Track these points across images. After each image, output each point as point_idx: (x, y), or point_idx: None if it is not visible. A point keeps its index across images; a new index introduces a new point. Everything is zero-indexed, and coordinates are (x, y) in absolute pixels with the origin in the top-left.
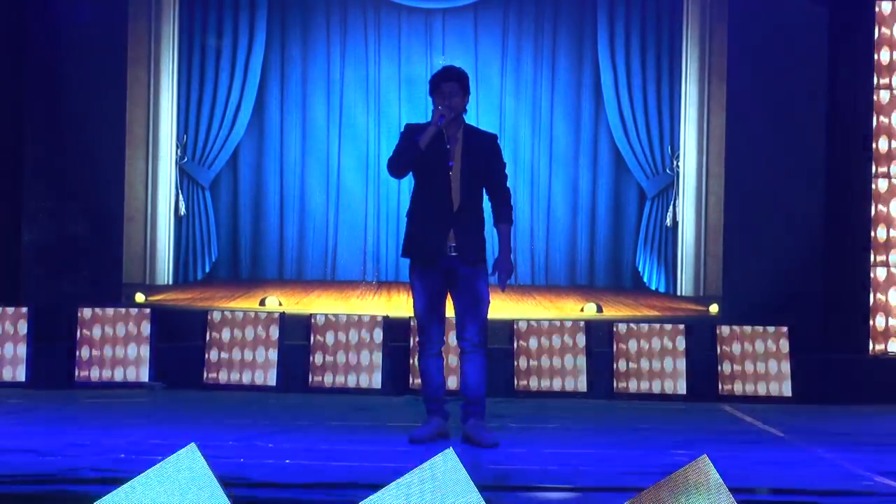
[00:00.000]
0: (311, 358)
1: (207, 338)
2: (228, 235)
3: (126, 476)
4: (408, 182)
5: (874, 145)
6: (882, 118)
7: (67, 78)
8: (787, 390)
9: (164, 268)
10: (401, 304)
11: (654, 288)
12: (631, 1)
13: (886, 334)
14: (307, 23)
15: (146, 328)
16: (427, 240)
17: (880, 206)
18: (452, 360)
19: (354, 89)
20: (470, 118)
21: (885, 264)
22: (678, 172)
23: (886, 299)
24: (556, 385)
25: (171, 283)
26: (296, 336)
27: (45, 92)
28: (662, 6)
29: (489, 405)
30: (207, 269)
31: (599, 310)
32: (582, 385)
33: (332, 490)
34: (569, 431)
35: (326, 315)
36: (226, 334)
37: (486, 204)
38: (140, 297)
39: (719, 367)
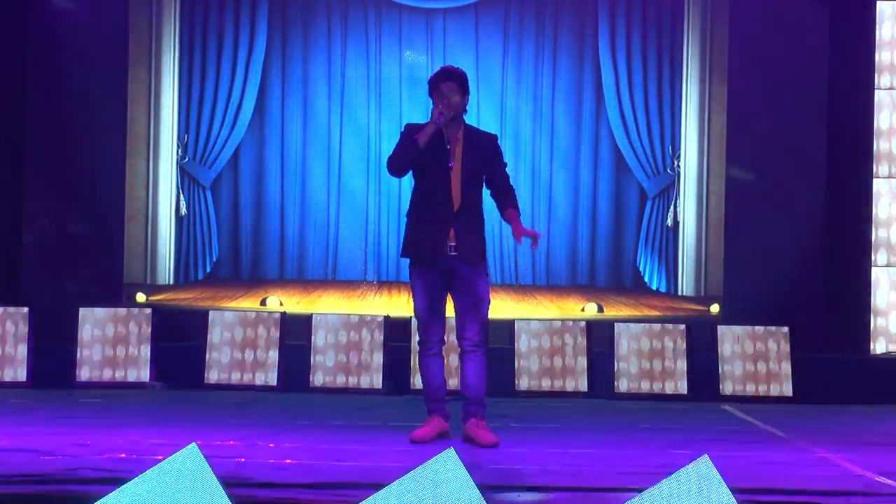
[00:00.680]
0: (312, 358)
1: (208, 338)
2: (229, 235)
3: (127, 476)
4: (409, 182)
5: (874, 146)
6: (882, 119)
7: (68, 78)
8: (787, 390)
9: (165, 267)
10: (401, 304)
11: (654, 288)
12: (632, 0)
13: (887, 334)
14: (308, 22)
15: (147, 328)
16: (427, 240)
17: (880, 207)
18: (453, 359)
19: (356, 89)
20: (471, 118)
21: (886, 265)
22: (679, 172)
23: (887, 300)
24: (557, 385)
25: (171, 282)
26: (297, 336)
27: (45, 92)
28: (664, 5)
29: (490, 405)
30: (208, 269)
31: (600, 310)
32: (583, 385)
33: (333, 490)
34: (569, 431)
35: (327, 315)
36: (226, 334)
37: (487, 205)
38: (141, 297)
39: (720, 367)
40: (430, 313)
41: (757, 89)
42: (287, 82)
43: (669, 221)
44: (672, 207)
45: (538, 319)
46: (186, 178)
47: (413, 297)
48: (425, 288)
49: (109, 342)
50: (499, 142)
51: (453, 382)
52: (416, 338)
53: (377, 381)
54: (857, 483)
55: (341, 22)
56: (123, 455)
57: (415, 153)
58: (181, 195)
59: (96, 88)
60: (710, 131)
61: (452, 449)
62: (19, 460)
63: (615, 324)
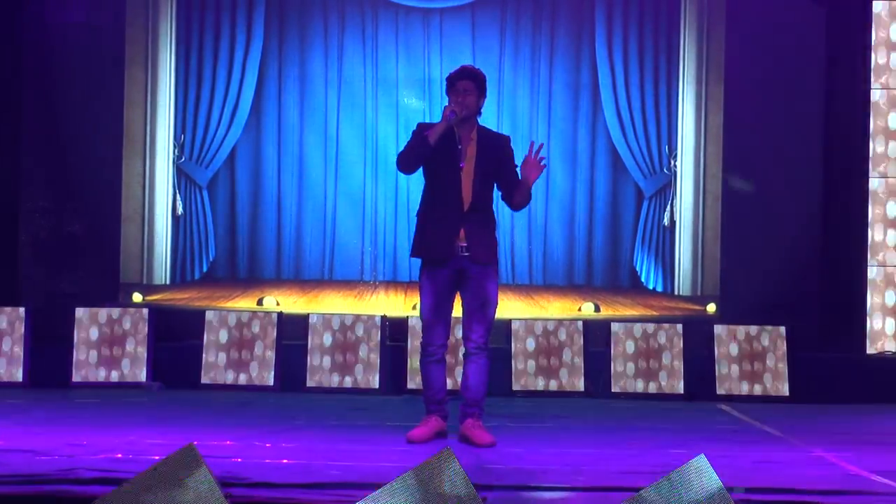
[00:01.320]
0: (309, 358)
1: (205, 338)
2: (226, 235)
3: (124, 476)
4: (406, 182)
5: (871, 146)
6: (878, 119)
7: (64, 78)
8: (784, 390)
9: (162, 267)
10: (399, 304)
11: (651, 287)
12: (629, 0)
13: (883, 334)
14: (305, 22)
15: (143, 328)
16: (438, 239)
17: (877, 207)
18: (450, 359)
19: (351, 89)
20: None
21: (882, 264)
22: (676, 172)
23: (883, 300)
24: (554, 385)
25: (168, 282)
26: (294, 336)
27: (42, 92)
28: (660, 6)
29: (487, 405)
30: (205, 269)
31: (597, 309)
32: (580, 384)
33: (330, 490)
34: (566, 431)
35: (324, 315)
36: (223, 334)
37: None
38: (137, 297)
39: (717, 367)
40: (435, 314)
41: (754, 89)
42: (284, 82)
43: (666, 221)
44: (669, 207)
45: (535, 319)
46: (183, 178)
47: (420, 296)
48: (433, 288)
49: (106, 342)
50: (512, 143)
51: (450, 382)
52: (413, 339)
53: (374, 381)
54: (853, 482)
55: (338, 21)
56: (120, 455)
57: (426, 150)
58: (178, 195)
59: (93, 89)
60: (707, 131)
61: (450, 448)
62: (16, 461)
63: (612, 323)
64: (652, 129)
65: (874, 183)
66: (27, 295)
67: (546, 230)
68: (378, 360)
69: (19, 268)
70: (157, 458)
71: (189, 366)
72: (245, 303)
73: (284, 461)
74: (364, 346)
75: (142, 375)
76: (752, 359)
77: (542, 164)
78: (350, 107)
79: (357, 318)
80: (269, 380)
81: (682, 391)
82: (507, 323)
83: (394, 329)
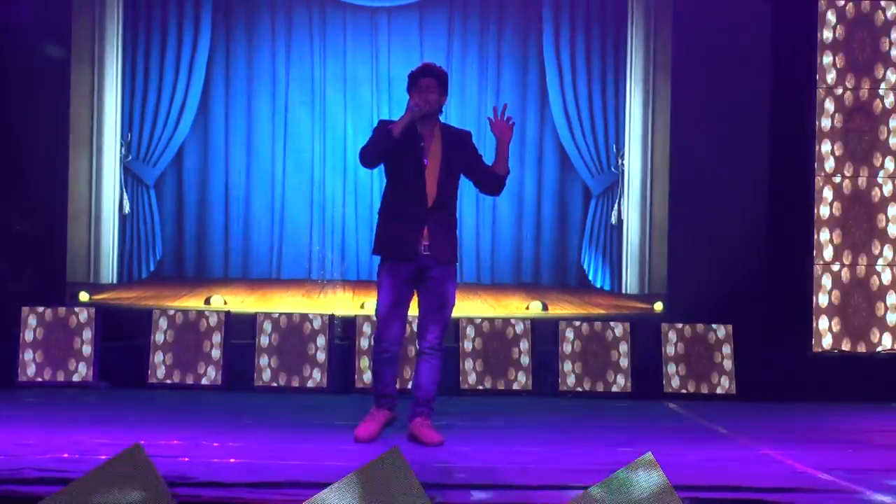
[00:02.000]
0: (257, 357)
1: (152, 337)
2: (173, 234)
3: (70, 476)
4: (354, 180)
5: (816, 147)
6: (824, 120)
7: (10, 77)
8: (731, 388)
9: (109, 266)
10: (347, 303)
11: (599, 286)
12: (576, 0)
13: (828, 333)
14: (252, 21)
15: (90, 327)
16: (400, 238)
17: (822, 208)
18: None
19: (299, 88)
20: None
21: (827, 264)
22: (623, 171)
23: (829, 299)
24: (502, 383)
25: (115, 281)
26: (241, 335)
27: None
28: (607, 5)
29: (435, 403)
30: (152, 268)
31: (545, 308)
32: (527, 383)
33: (277, 489)
34: (514, 429)
35: (272, 314)
36: (171, 333)
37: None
38: (84, 296)
39: (664, 365)
40: (392, 310)
41: (700, 88)
42: (231, 81)
43: (614, 220)
44: (616, 206)
45: (483, 318)
46: (130, 177)
47: (378, 292)
48: (392, 285)
49: (52, 341)
50: (473, 139)
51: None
52: (361, 337)
53: (323, 380)
54: (798, 479)
55: (285, 21)
56: (67, 455)
57: (389, 144)
58: (124, 194)
59: (39, 87)
60: (654, 130)
61: (398, 447)
62: None
63: (559, 322)
64: (599, 128)
65: (819, 182)
66: None
67: (494, 229)
68: (326, 359)
69: None
70: (103, 457)
71: (136, 365)
72: (192, 302)
73: (232, 460)
74: (312, 344)
75: (88, 375)
76: (699, 357)
77: (510, 122)
78: (298, 105)
79: (305, 316)
80: (217, 379)
81: (629, 389)
82: (455, 322)
83: (342, 328)
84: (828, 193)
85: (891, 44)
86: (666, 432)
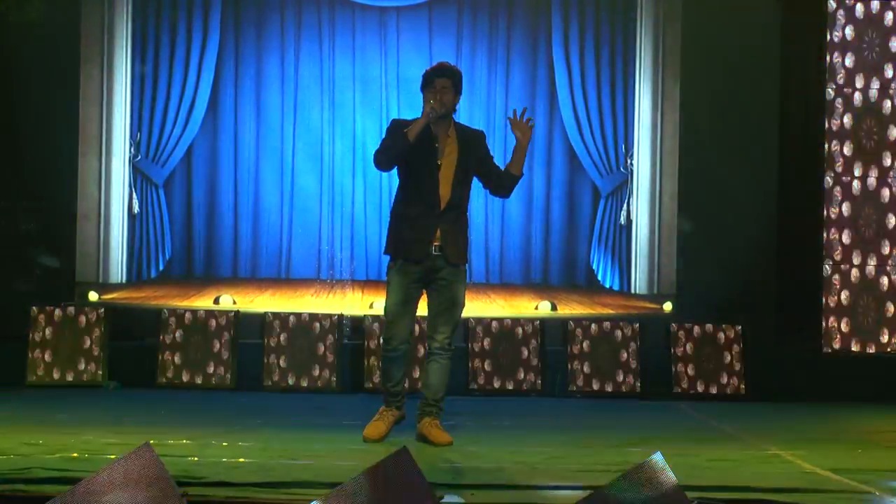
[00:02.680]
0: (266, 356)
1: (161, 337)
2: (182, 233)
3: (79, 476)
4: (363, 180)
5: (826, 147)
6: (833, 120)
7: (20, 76)
8: (740, 388)
9: (118, 266)
10: (356, 303)
11: (608, 286)
12: (585, 0)
13: (838, 333)
14: (261, 20)
15: (100, 327)
16: (412, 238)
17: (831, 208)
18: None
19: (308, 88)
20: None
21: (837, 264)
22: (632, 171)
23: (839, 299)
24: (511, 383)
25: (124, 281)
26: (250, 335)
27: None
28: (616, 5)
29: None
30: (161, 268)
31: (554, 308)
32: (537, 383)
33: (286, 489)
34: (523, 429)
35: (281, 314)
36: (180, 333)
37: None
38: (93, 296)
39: (673, 365)
40: (402, 309)
41: (710, 88)
42: (240, 81)
43: (623, 220)
44: (625, 206)
45: (492, 318)
46: (139, 177)
47: (387, 292)
48: (402, 284)
49: (61, 341)
50: (486, 140)
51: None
52: (371, 337)
53: (332, 380)
54: (808, 480)
55: (295, 20)
56: (76, 455)
57: (405, 148)
58: (134, 193)
59: (48, 87)
60: (664, 129)
61: (406, 447)
62: None
63: (569, 322)
64: (608, 128)
65: (829, 182)
66: None
67: (503, 229)
68: (335, 360)
69: None
70: (113, 457)
71: (145, 365)
72: (201, 302)
73: (241, 460)
74: (321, 344)
75: (97, 375)
76: (708, 357)
77: (530, 124)
78: (307, 105)
79: (314, 316)
80: (226, 379)
81: (638, 390)
82: (464, 322)
83: (351, 328)
84: (837, 193)
85: None
86: (675, 432)
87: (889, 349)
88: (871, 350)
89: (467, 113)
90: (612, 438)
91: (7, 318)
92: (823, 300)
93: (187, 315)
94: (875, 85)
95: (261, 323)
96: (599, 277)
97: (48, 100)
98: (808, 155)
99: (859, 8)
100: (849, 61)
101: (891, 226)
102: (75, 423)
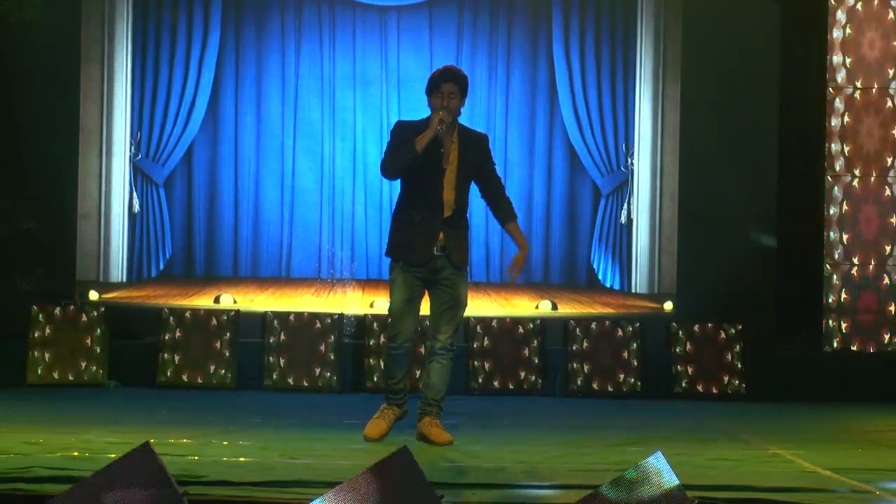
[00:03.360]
0: (267, 355)
1: (162, 336)
2: (183, 233)
3: (80, 475)
4: (363, 179)
5: (826, 146)
6: (834, 120)
7: (20, 75)
8: (740, 387)
9: (118, 265)
10: (357, 302)
11: (608, 285)
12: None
13: (838, 332)
14: (262, 20)
15: (100, 326)
16: (416, 242)
17: (832, 208)
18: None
19: (309, 87)
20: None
21: (837, 264)
22: (633, 170)
23: (839, 298)
24: (511, 383)
25: (125, 280)
26: (251, 334)
27: None
28: (617, 5)
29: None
30: (161, 267)
31: (554, 307)
32: (537, 383)
33: (287, 488)
34: (523, 429)
35: (281, 313)
36: (180, 332)
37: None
38: (94, 295)
39: (673, 365)
40: (407, 307)
41: (710, 87)
42: (240, 80)
43: (623, 219)
44: (626, 205)
45: (493, 317)
46: (139, 176)
47: (391, 290)
48: (406, 283)
49: (62, 340)
50: (489, 144)
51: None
52: (371, 337)
53: (332, 379)
54: (809, 480)
55: (295, 19)
56: (76, 454)
57: (412, 159)
58: (134, 192)
59: (48, 86)
60: (664, 130)
61: (407, 446)
62: None
63: (569, 321)
64: (609, 128)
65: (829, 182)
66: None
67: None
68: (335, 359)
69: None
70: (113, 456)
71: (146, 364)
72: (202, 301)
73: (241, 459)
74: (322, 343)
75: (98, 374)
76: (709, 357)
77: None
78: (308, 104)
79: (315, 315)
80: (227, 378)
81: (639, 389)
82: (465, 321)
83: (352, 327)
84: (838, 193)
85: None
86: (676, 432)
87: (889, 348)
88: (872, 349)
89: (468, 112)
90: (612, 438)
91: (8, 317)
92: (824, 300)
93: (188, 314)
94: (875, 84)
95: (261, 322)
96: (600, 277)
97: (48, 99)
98: (809, 154)
99: (860, 7)
100: (849, 61)
101: (891, 225)
102: (76, 423)
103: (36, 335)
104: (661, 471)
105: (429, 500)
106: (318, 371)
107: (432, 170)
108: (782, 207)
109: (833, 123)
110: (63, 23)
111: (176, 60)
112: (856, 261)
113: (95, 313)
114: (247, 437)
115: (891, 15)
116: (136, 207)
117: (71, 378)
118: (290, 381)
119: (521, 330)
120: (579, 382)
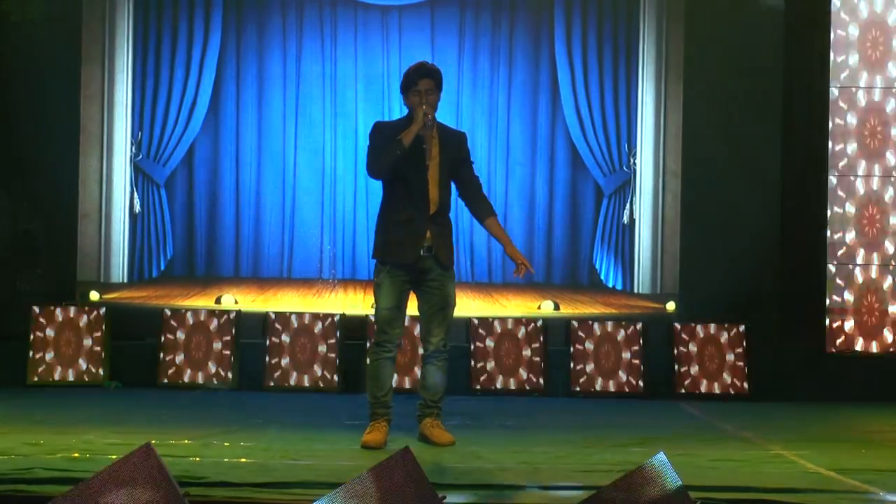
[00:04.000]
0: (268, 356)
1: (163, 336)
2: (184, 233)
3: (80, 476)
4: (364, 182)
5: (829, 146)
6: (837, 119)
7: (20, 75)
8: (744, 387)
9: (119, 265)
10: (357, 302)
11: (611, 285)
12: None
13: (842, 332)
14: (263, 19)
15: (101, 327)
16: (403, 241)
17: (835, 207)
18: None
19: (310, 87)
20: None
21: (840, 264)
22: (635, 170)
23: (842, 298)
24: (513, 383)
25: (126, 281)
26: (252, 334)
27: None
28: (619, 4)
29: (446, 403)
30: (163, 267)
31: (556, 307)
32: (539, 383)
33: (288, 489)
34: (525, 429)
35: (283, 313)
36: (181, 332)
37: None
38: (95, 296)
39: (676, 365)
40: (395, 311)
41: (713, 86)
42: (242, 80)
43: (625, 219)
44: (628, 205)
45: (494, 317)
46: (140, 176)
47: (378, 295)
48: (393, 287)
49: (63, 341)
50: (468, 142)
51: (407, 382)
52: (372, 336)
53: (333, 380)
54: (812, 480)
55: (296, 19)
56: (77, 455)
57: (401, 155)
58: (135, 193)
59: (49, 85)
60: (666, 129)
61: (409, 447)
62: None
63: (571, 321)
64: (611, 127)
65: (833, 181)
66: None
67: (506, 228)
68: (337, 359)
69: None
70: (114, 457)
71: (147, 364)
72: (203, 301)
73: (242, 460)
74: (323, 344)
75: (100, 374)
76: (712, 357)
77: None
78: (309, 104)
79: (316, 316)
80: (228, 378)
81: (641, 389)
82: (467, 321)
83: (352, 327)
84: (841, 192)
85: None
86: (679, 432)
87: (893, 349)
88: (875, 350)
89: (469, 112)
90: (615, 438)
91: (8, 317)
92: (827, 300)
93: (189, 315)
94: (879, 84)
95: (262, 322)
96: (602, 277)
97: (49, 99)
98: (812, 154)
99: (863, 6)
100: (852, 60)
101: (894, 225)
102: (77, 423)
103: (37, 335)
104: (664, 471)
105: (430, 501)
106: (319, 372)
107: (416, 167)
108: (786, 207)
109: (836, 123)
110: (64, 22)
111: (177, 60)
112: (859, 261)
113: (96, 314)
114: (248, 438)
115: (894, 14)
116: (137, 208)
117: (71, 379)
118: (291, 381)
119: (523, 330)
120: (582, 382)
